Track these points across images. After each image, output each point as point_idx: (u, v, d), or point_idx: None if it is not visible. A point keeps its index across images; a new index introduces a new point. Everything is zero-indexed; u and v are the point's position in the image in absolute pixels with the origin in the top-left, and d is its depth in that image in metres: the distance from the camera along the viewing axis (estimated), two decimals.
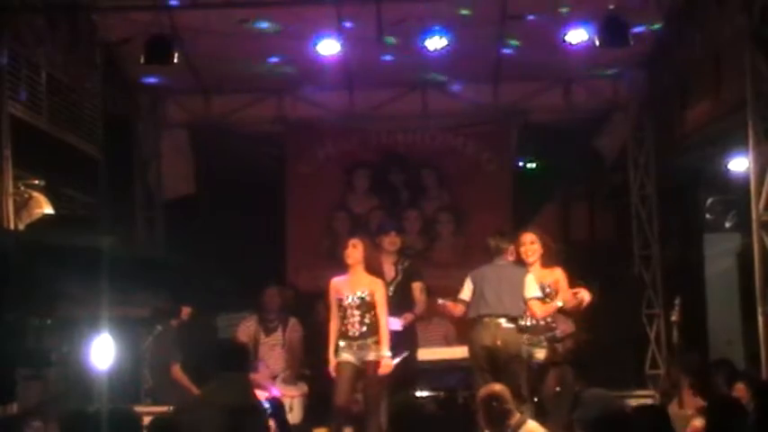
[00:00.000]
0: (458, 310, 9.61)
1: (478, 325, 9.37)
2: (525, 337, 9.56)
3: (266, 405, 9.33)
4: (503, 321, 9.30)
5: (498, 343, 9.26)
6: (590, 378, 10.02)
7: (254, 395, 8.58)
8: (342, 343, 9.39)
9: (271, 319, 11.21)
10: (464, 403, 10.31)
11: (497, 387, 7.97)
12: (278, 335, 11.20)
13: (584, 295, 9.65)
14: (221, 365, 10.19)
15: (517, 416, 7.84)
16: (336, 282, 9.56)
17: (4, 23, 9.70)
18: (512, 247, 9.71)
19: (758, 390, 6.72)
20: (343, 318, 9.44)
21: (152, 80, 12.63)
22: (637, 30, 10.59)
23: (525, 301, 9.39)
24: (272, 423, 9.48)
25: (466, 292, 9.53)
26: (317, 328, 10.39)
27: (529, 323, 9.63)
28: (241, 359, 9.00)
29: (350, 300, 9.43)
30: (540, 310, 9.47)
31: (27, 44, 10.14)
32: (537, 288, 9.45)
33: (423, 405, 9.65)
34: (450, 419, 9.86)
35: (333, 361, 9.44)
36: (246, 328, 11.23)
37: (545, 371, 9.67)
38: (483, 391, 8.01)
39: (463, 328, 10.72)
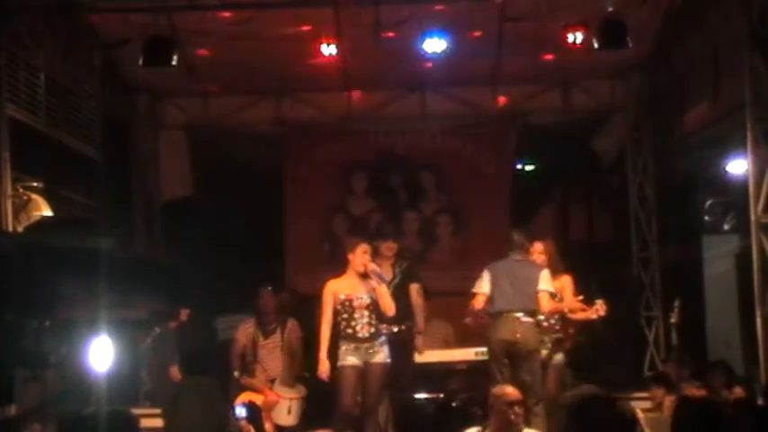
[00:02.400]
0: (477, 302, 9.57)
1: (498, 319, 9.40)
2: None
3: (242, 409, 9.33)
4: (521, 315, 9.32)
5: (518, 336, 9.30)
6: (589, 380, 10.02)
7: (217, 399, 8.55)
8: (349, 345, 9.30)
9: (269, 321, 11.19)
10: (462, 406, 10.31)
11: (510, 389, 7.84)
12: (276, 337, 11.17)
13: (600, 309, 9.69)
14: (188, 370, 10.21)
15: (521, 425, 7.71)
16: (336, 283, 9.49)
17: (3, 25, 9.69)
18: (535, 245, 9.75)
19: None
20: (349, 320, 9.34)
21: (150, 82, 12.62)
22: (635, 31, 10.58)
23: (536, 293, 9.40)
24: (249, 427, 9.48)
25: (485, 286, 9.54)
26: (317, 331, 10.38)
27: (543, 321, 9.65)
28: (206, 364, 8.99)
29: (360, 300, 9.37)
30: (547, 304, 9.47)
31: (25, 46, 10.14)
32: (550, 284, 9.48)
33: (422, 407, 9.65)
34: (448, 422, 9.86)
35: (326, 363, 9.37)
36: (245, 331, 11.21)
37: (545, 372, 9.67)
38: (498, 390, 7.85)
39: (463, 331, 10.74)
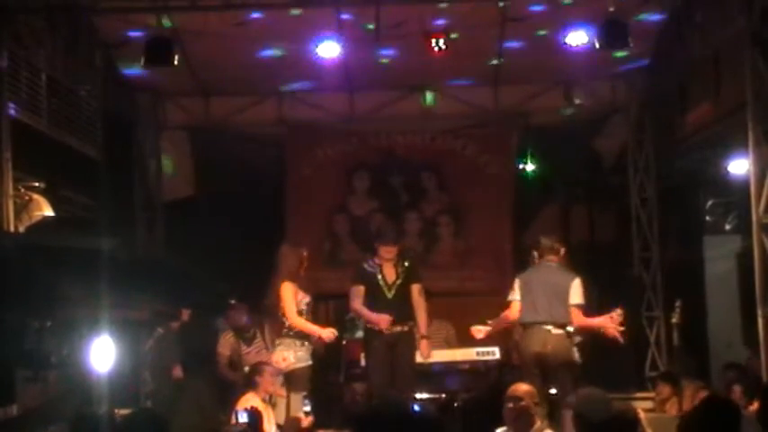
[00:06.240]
0: (512, 310, 9.54)
1: (528, 330, 9.41)
2: None
3: (244, 415, 9.36)
4: (551, 328, 9.31)
5: (549, 348, 9.27)
6: (590, 380, 9.99)
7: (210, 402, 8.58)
8: (308, 345, 9.60)
9: (246, 329, 11.25)
10: (463, 406, 10.29)
11: (523, 387, 7.84)
12: (259, 341, 11.26)
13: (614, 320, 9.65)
14: (186, 372, 10.16)
15: (538, 423, 7.71)
16: (295, 286, 9.67)
17: (4, 25, 9.69)
18: (563, 249, 9.72)
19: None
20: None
21: (152, 82, 12.61)
22: (636, 31, 10.58)
23: (568, 307, 9.37)
24: None
25: (518, 294, 9.52)
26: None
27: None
28: (204, 365, 8.97)
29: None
30: (579, 319, 9.43)
31: (27, 46, 10.14)
32: (581, 296, 9.43)
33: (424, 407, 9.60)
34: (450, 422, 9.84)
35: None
36: (227, 342, 11.28)
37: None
38: (511, 389, 7.86)
39: (464, 331, 10.72)
